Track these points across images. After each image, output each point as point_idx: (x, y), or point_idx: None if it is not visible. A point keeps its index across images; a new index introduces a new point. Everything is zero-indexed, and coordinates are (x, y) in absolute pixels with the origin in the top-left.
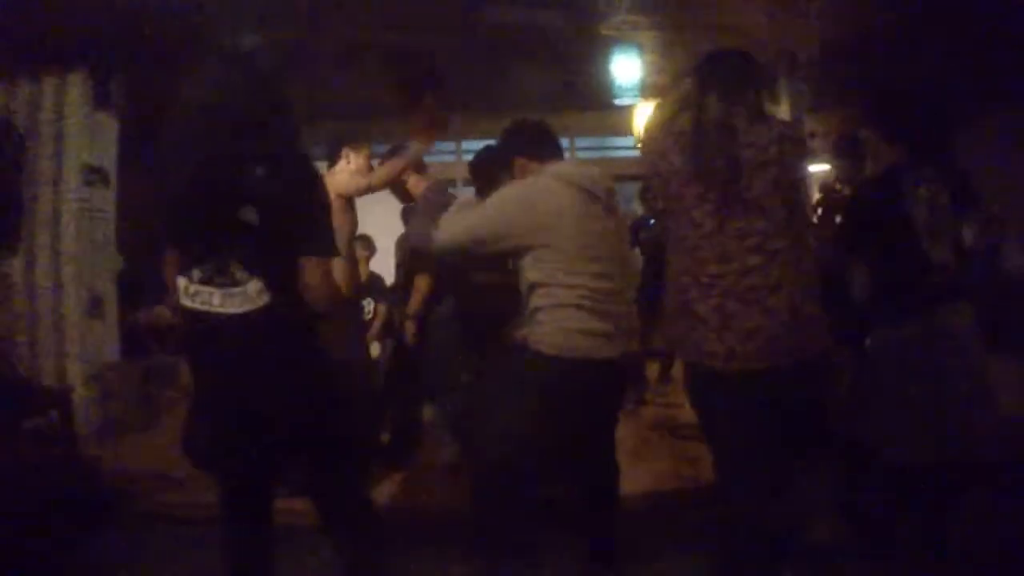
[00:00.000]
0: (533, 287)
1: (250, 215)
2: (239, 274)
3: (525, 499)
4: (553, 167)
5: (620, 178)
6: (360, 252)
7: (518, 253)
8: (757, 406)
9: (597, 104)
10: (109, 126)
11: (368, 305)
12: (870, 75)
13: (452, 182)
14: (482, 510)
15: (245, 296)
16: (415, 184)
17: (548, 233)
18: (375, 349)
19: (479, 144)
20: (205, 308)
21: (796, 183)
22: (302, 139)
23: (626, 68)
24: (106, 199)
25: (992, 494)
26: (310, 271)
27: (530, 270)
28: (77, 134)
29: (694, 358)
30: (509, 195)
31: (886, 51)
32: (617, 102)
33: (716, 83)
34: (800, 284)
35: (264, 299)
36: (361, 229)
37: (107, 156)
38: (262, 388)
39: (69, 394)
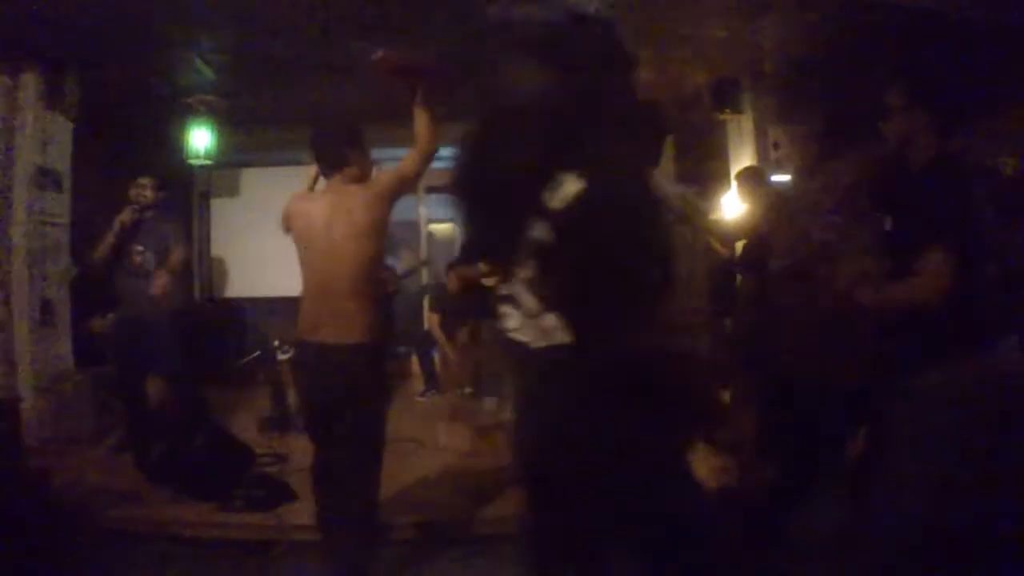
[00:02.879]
0: None
1: (543, 232)
2: (529, 302)
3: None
4: None
5: None
6: None
7: None
8: None
9: None
10: (63, 127)
11: None
12: (832, 87)
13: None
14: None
15: (539, 329)
16: None
17: None
18: None
19: (441, 151)
20: (505, 330)
21: None
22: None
23: None
24: (59, 203)
25: None
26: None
27: None
28: (29, 136)
29: None
30: None
31: (845, 65)
32: None
33: None
34: None
35: (559, 338)
36: None
37: (61, 159)
38: (547, 435)
39: (18, 404)
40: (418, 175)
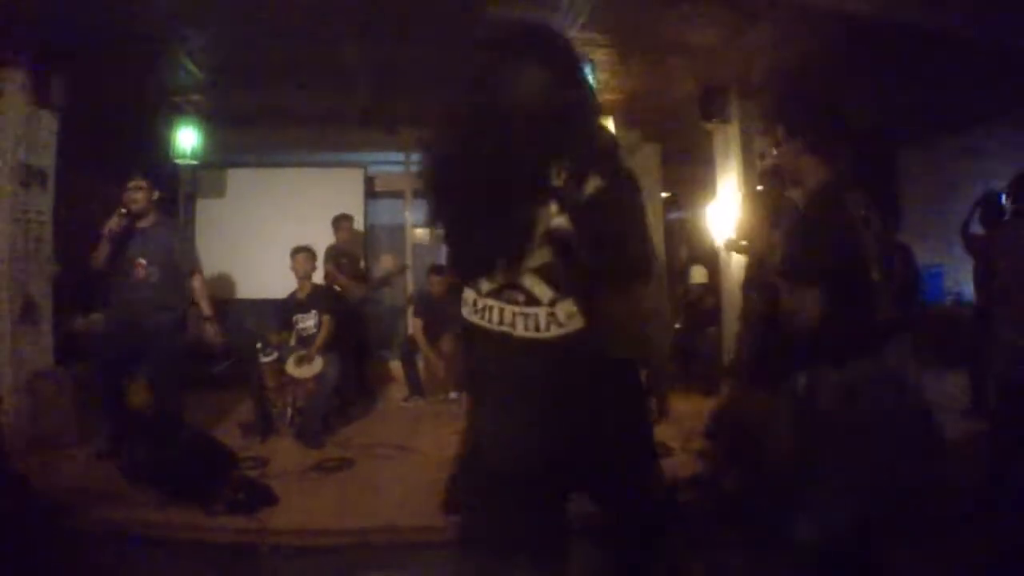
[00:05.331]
0: None
1: (560, 222)
2: (540, 291)
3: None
4: None
5: None
6: (304, 264)
7: None
8: None
9: None
10: (49, 124)
11: (313, 318)
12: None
13: (401, 194)
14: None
15: (551, 318)
16: None
17: None
18: (317, 363)
19: None
20: (492, 327)
21: None
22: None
23: None
24: (43, 200)
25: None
26: (617, 299)
27: None
28: (14, 132)
29: None
30: None
31: (829, 76)
32: None
33: None
34: None
35: (576, 324)
36: (297, 241)
37: (46, 156)
38: (555, 426)
39: None
40: None
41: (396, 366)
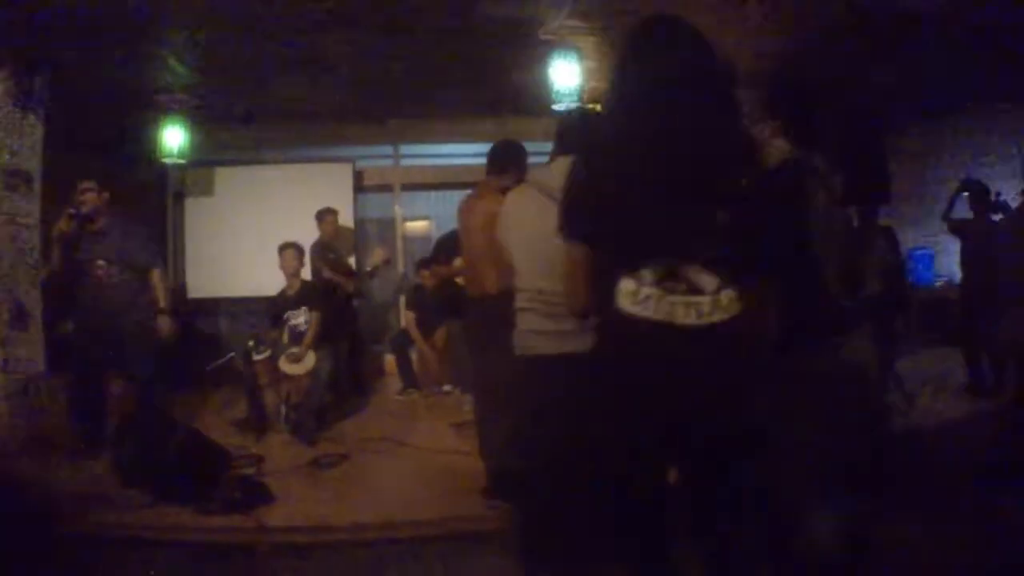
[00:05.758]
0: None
1: (723, 214)
2: (704, 280)
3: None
4: (531, 174)
5: None
6: (292, 261)
7: None
8: None
9: (536, 109)
10: (34, 127)
11: (304, 315)
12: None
13: (390, 187)
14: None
15: (715, 305)
16: None
17: (507, 241)
18: (310, 359)
19: (417, 148)
20: (653, 316)
21: None
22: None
23: (565, 73)
24: (30, 204)
25: None
26: (767, 285)
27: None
28: None
29: None
30: None
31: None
32: (556, 107)
33: None
34: None
35: (735, 310)
36: (286, 237)
37: (32, 159)
38: (718, 408)
39: None
40: None
41: (390, 360)
